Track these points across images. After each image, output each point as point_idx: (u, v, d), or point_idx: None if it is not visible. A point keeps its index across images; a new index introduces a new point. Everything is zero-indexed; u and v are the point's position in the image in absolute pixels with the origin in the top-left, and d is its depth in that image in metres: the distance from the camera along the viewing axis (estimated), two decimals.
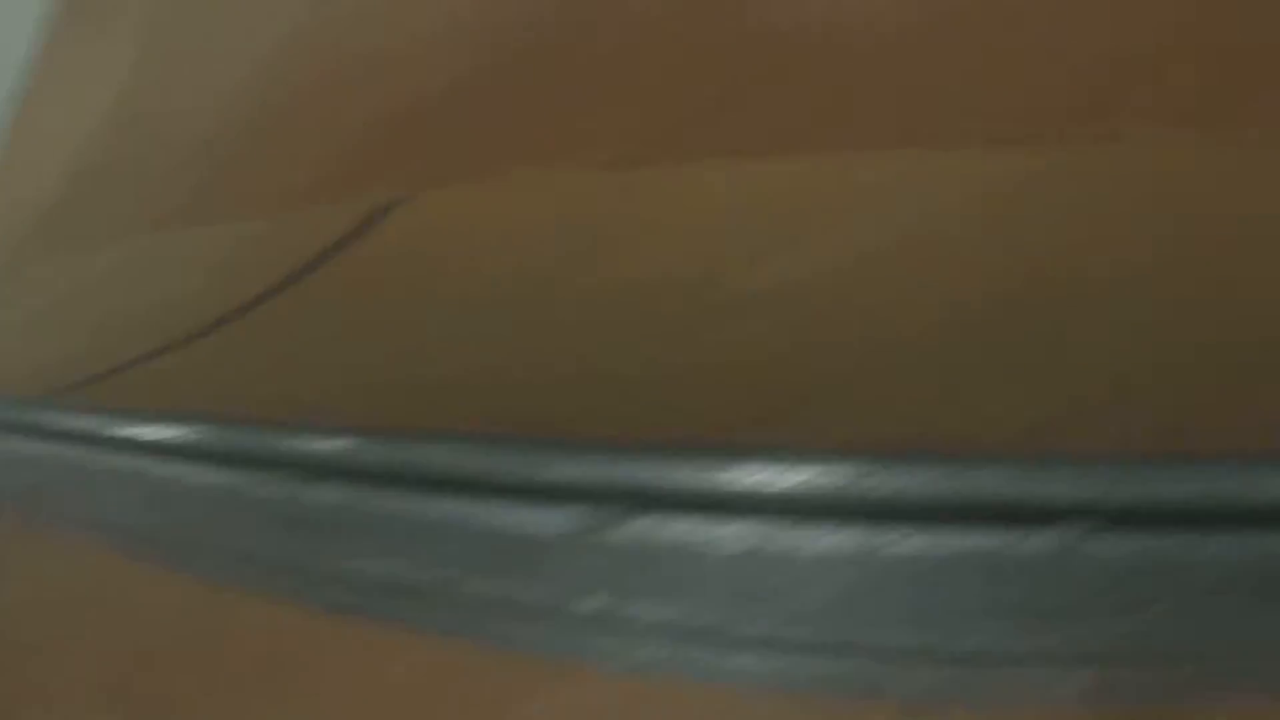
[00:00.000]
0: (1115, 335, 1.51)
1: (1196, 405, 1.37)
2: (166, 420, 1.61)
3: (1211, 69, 1.79)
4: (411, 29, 2.67)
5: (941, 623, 1.23)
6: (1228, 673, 1.21)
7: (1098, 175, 1.79)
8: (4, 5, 3.98)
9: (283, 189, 2.45)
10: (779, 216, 1.90)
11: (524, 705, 1.35)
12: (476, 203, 2.19)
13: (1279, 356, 1.42)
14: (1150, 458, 1.25)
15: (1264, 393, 1.37)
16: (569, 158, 2.18)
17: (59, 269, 2.83)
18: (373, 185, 2.32)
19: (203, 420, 1.58)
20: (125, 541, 1.69)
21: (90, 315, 2.43)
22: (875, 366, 1.52)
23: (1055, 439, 1.34)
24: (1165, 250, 1.65)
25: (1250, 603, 1.22)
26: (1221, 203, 1.69)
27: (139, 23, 3.45)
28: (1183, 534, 1.21)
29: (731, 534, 1.27)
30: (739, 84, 2.17)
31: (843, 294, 1.69)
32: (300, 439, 1.50)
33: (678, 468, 1.29)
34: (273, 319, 2.01)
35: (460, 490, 1.39)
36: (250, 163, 2.62)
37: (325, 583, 1.50)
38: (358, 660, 1.47)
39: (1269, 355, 1.43)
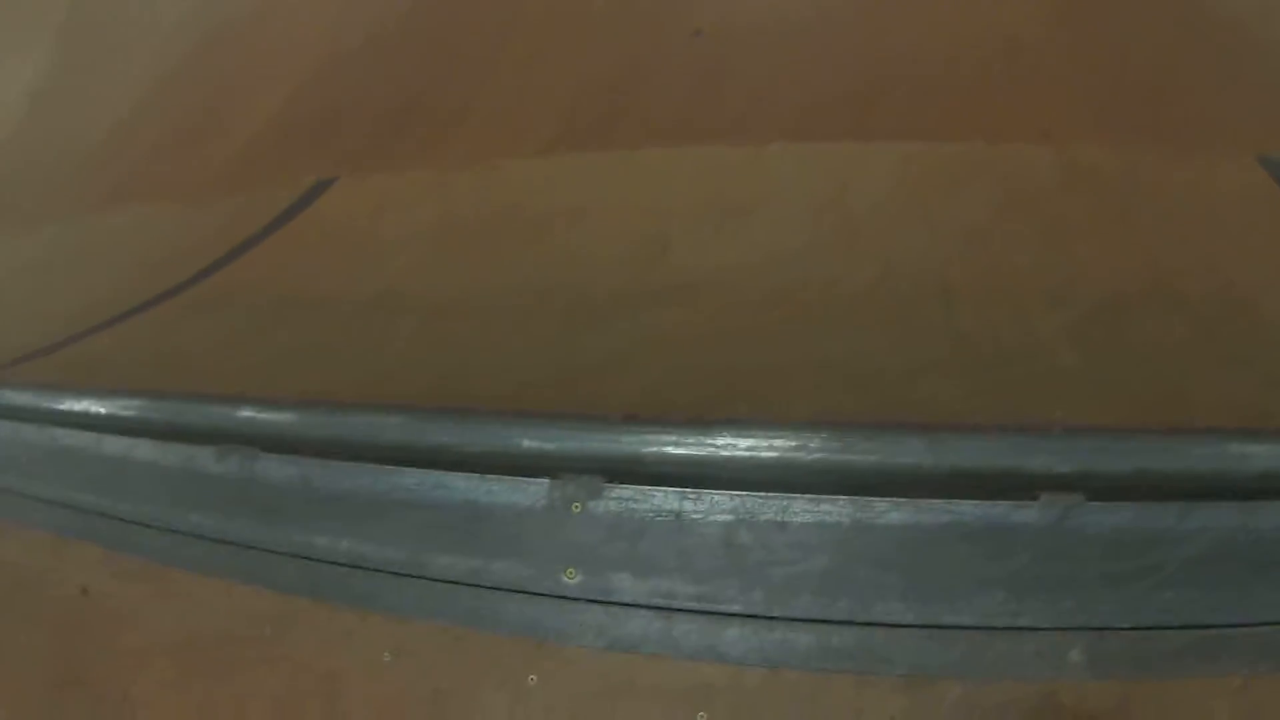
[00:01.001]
0: (1075, 319, 1.49)
1: (1172, 385, 1.35)
2: (111, 396, 1.47)
3: (1129, 85, 1.83)
4: (343, 21, 2.56)
5: (933, 595, 1.16)
6: (1217, 642, 1.16)
7: (1024, 174, 1.78)
8: None
9: (213, 171, 2.31)
10: (719, 202, 1.84)
11: (500, 690, 1.25)
12: (409, 185, 2.09)
13: (1253, 339, 1.41)
14: (1136, 432, 1.20)
15: (1240, 376, 1.35)
16: (503, 144, 2.10)
17: None
18: (302, 168, 2.20)
19: (150, 395, 1.44)
20: (68, 521, 1.54)
21: (25, 293, 2.25)
22: (836, 345, 1.47)
23: (1037, 414, 1.30)
24: (1105, 240, 1.64)
25: (1236, 573, 1.18)
26: (1146, 198, 1.70)
27: (57, 11, 3.27)
28: (1169, 506, 1.17)
29: (715, 505, 1.19)
30: (673, 75, 2.11)
31: (793, 276, 1.63)
32: (253, 412, 1.37)
33: (658, 438, 1.20)
34: (212, 296, 1.88)
35: (426, 463, 1.28)
36: (180, 146, 2.47)
37: (281, 562, 1.37)
38: (316, 644, 1.35)
39: (1240, 339, 1.42)
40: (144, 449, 1.45)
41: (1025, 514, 1.15)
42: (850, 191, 1.66)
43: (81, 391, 1.49)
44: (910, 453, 1.16)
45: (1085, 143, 1.65)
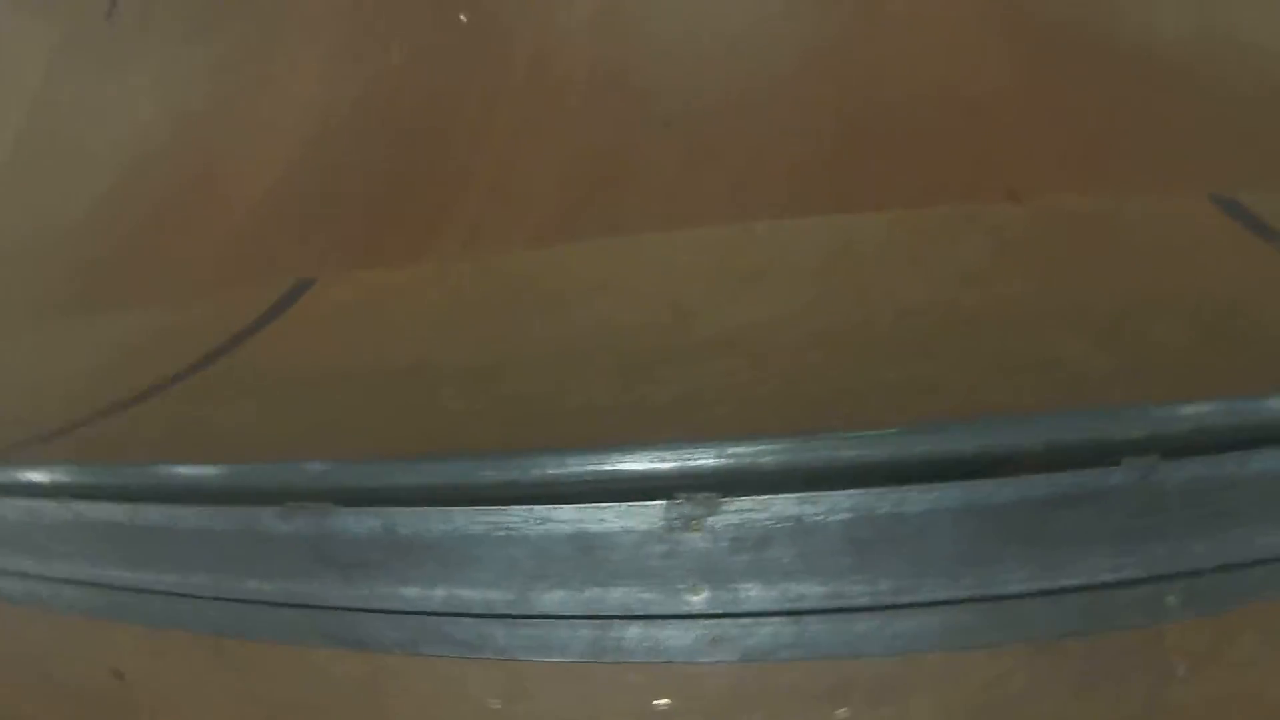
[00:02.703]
0: (1089, 341, 1.52)
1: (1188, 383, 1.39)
2: (150, 465, 1.27)
3: (1094, 143, 1.88)
4: (315, 111, 2.31)
5: (1046, 562, 1.15)
6: None
7: (1006, 227, 1.81)
8: None
9: (188, 272, 2.04)
10: (729, 272, 1.71)
11: (627, 718, 1.16)
12: (396, 281, 1.91)
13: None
14: (1193, 401, 1.23)
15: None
16: (489, 237, 1.94)
17: None
18: (280, 268, 1.99)
19: (201, 462, 1.25)
20: (96, 600, 1.33)
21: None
22: (888, 372, 1.40)
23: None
24: (1093, 275, 1.67)
25: None
26: (1116, 248, 1.76)
27: (17, 105, 2.83)
28: (1229, 456, 1.20)
29: (834, 505, 1.14)
30: (652, 160, 2.00)
31: (820, 324, 1.51)
32: (322, 468, 1.22)
33: (770, 447, 1.14)
34: (212, 382, 1.65)
35: (528, 500, 1.17)
36: (148, 247, 2.17)
37: (364, 619, 1.23)
38: (411, 700, 1.22)
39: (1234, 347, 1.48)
40: (191, 516, 1.27)
41: (1112, 478, 1.15)
42: (847, 255, 1.65)
43: (108, 463, 1.29)
44: (1009, 436, 1.14)
45: (1052, 193, 1.69)
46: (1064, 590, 1.14)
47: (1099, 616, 1.14)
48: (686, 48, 2.05)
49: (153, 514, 1.27)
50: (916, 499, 1.13)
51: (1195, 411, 1.19)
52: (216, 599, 1.28)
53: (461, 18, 2.17)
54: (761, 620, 1.13)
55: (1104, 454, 1.16)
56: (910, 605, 1.13)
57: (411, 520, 1.19)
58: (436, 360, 1.56)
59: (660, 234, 1.75)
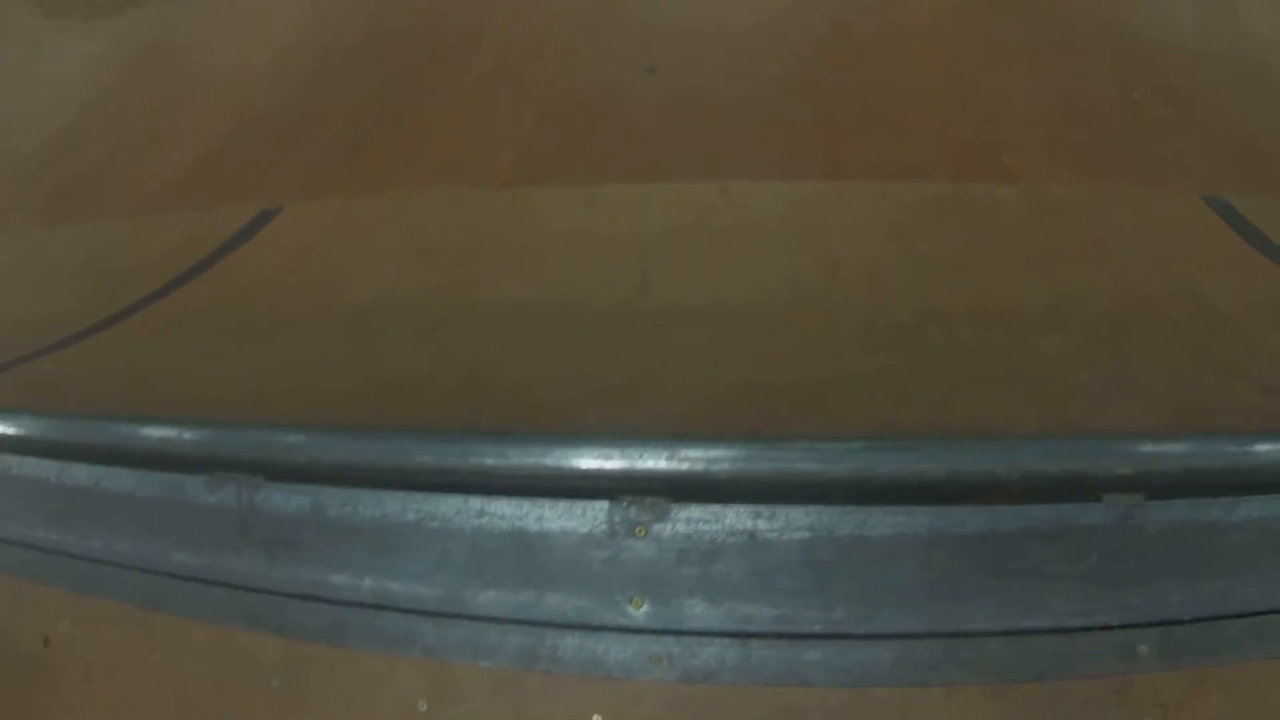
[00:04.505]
0: (1072, 338, 1.38)
1: (1181, 393, 1.25)
2: (77, 419, 1.14)
3: (1092, 126, 1.73)
4: (291, 42, 2.17)
5: (1012, 599, 1.01)
6: (1272, 625, 1.06)
7: (994, 212, 1.66)
8: None
9: (151, 192, 1.91)
10: (696, 234, 1.58)
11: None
12: (363, 213, 1.77)
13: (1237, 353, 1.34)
14: (1185, 435, 1.09)
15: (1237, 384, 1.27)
16: (459, 173, 1.81)
17: None
18: (243, 193, 1.85)
19: (124, 419, 1.12)
20: (24, 561, 1.20)
21: None
22: (859, 366, 1.27)
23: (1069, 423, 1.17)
24: (1078, 267, 1.53)
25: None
26: (1104, 244, 1.61)
27: None
28: (1218, 501, 1.05)
29: (791, 522, 1.00)
30: (634, 111, 1.85)
31: (789, 303, 1.39)
32: (254, 435, 1.09)
33: (727, 454, 1.00)
34: (166, 318, 1.51)
35: (465, 489, 1.04)
36: (114, 165, 2.04)
37: (290, 604, 1.10)
38: (334, 695, 1.09)
39: (1227, 352, 1.34)
40: (117, 479, 1.14)
41: (1092, 514, 1.02)
42: (826, 225, 1.49)
43: (38, 414, 1.16)
44: (983, 461, 1.01)
45: (1044, 179, 1.54)
46: (1030, 631, 1.00)
47: (1065, 662, 1.00)
48: None
49: (80, 474, 1.14)
50: (880, 521, 0.99)
51: (1186, 450, 1.05)
52: (140, 569, 1.15)
53: None
54: (705, 640, 1.00)
55: (1085, 488, 1.02)
56: (865, 636, 0.99)
57: (341, 501, 1.06)
58: (387, 306, 1.42)
59: (632, 185, 1.59)
